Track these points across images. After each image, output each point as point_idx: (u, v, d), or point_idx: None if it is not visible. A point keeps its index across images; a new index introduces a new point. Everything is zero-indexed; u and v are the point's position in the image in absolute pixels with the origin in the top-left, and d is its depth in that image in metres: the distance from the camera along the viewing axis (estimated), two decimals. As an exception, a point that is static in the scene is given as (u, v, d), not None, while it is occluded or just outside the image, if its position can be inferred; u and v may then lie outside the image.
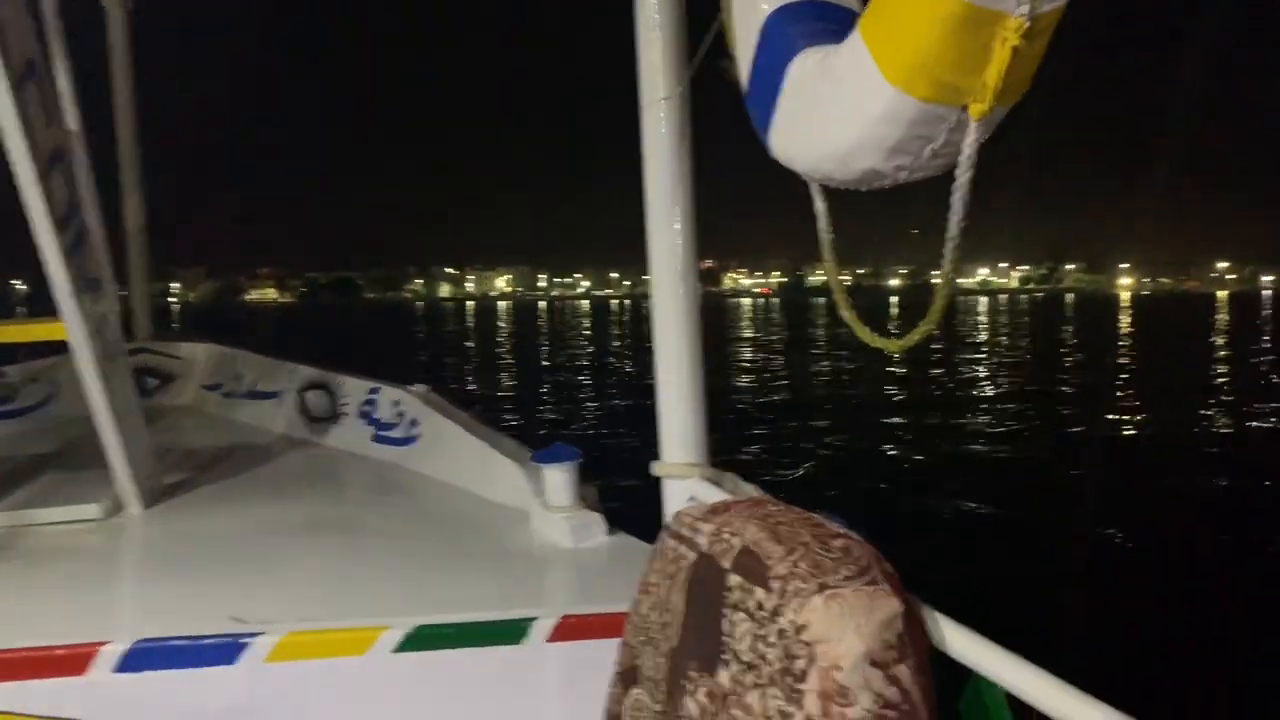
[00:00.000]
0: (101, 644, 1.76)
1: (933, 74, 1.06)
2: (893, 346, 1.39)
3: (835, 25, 1.32)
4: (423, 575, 2.23)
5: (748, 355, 35.27)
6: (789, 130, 1.39)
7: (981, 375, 26.37)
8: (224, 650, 1.78)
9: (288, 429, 4.02)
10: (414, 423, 3.41)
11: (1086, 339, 45.58)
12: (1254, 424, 16.92)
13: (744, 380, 25.51)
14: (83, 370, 2.73)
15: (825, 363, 31.33)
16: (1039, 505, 10.31)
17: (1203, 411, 18.01)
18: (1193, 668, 5.67)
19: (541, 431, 15.61)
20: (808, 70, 1.31)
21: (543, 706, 1.88)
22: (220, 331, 5.34)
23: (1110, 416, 17.82)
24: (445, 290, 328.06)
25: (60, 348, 2.84)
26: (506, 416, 18.09)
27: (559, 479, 2.45)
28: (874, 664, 1.05)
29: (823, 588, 1.09)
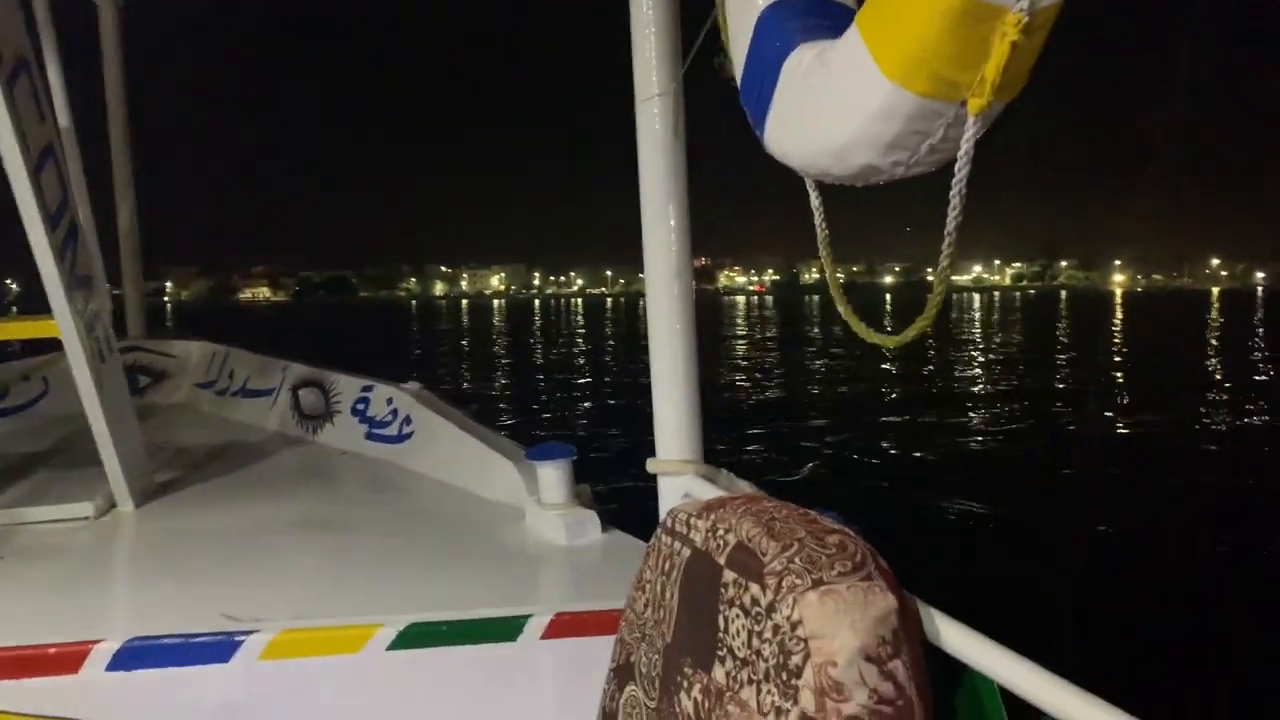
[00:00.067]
0: (94, 643, 1.75)
1: (931, 69, 1.06)
2: (889, 343, 1.39)
3: (830, 21, 1.32)
4: (417, 573, 2.22)
5: (742, 353, 35.29)
6: (784, 126, 1.38)
7: (975, 372, 26.42)
8: (217, 648, 1.78)
9: (281, 427, 4.02)
10: (407, 420, 3.41)
11: (1080, 336, 45.68)
12: (1246, 421, 16.97)
13: (738, 377, 25.53)
14: (75, 368, 2.73)
15: (819, 360, 31.35)
16: (1033, 502, 10.34)
17: (1196, 408, 18.04)
18: (1188, 664, 5.69)
19: (540, 433, 15.60)
20: (804, 65, 1.31)
21: (537, 704, 1.88)
22: (214, 331, 5.33)
23: (1105, 414, 17.86)
24: (439, 289, 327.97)
25: (53, 345, 2.83)
26: (501, 415, 18.09)
27: (553, 476, 2.45)
28: (869, 659, 1.05)
29: (817, 583, 1.09)
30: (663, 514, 1.53)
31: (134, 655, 1.76)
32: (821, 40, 1.30)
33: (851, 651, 1.05)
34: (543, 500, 2.47)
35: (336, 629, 1.82)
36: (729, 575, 1.21)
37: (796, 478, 12.03)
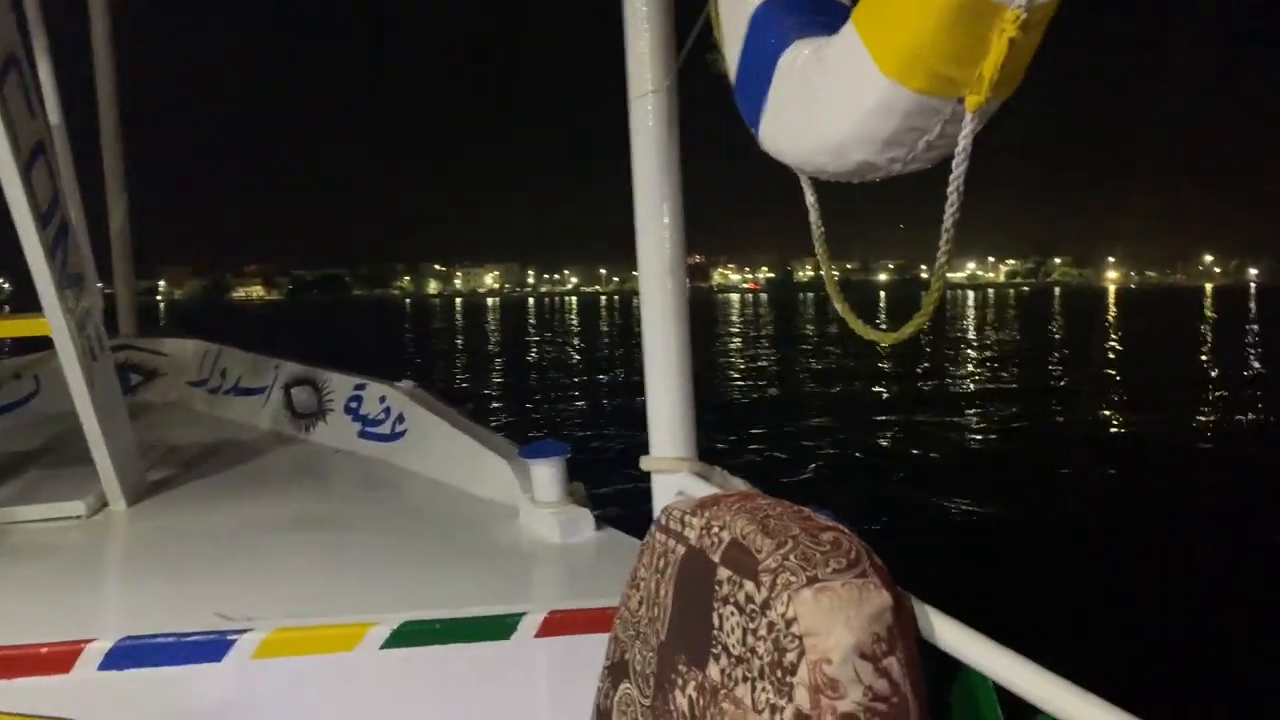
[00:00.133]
0: (87, 642, 1.75)
1: (928, 65, 1.06)
2: (886, 339, 1.38)
3: (825, 17, 1.32)
4: (410, 571, 2.22)
5: (736, 350, 35.30)
6: (779, 122, 1.38)
7: (970, 370, 26.46)
8: (210, 647, 1.77)
9: (273, 425, 4.01)
10: (400, 419, 3.40)
11: (1074, 333, 45.75)
12: (1240, 418, 17.02)
13: (733, 375, 25.54)
14: (66, 366, 2.72)
15: (814, 358, 31.39)
16: (1028, 499, 10.36)
17: (1191, 405, 18.09)
18: (1183, 661, 5.70)
19: (532, 434, 15.58)
20: (799, 62, 1.31)
21: (531, 702, 1.87)
22: (208, 331, 5.31)
23: (1099, 411, 17.89)
24: (433, 287, 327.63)
25: (44, 343, 2.82)
26: (494, 413, 18.08)
27: (547, 474, 2.45)
28: (864, 657, 1.05)
29: (812, 581, 1.09)
30: (657, 511, 1.53)
31: (126, 654, 1.75)
32: (817, 36, 1.29)
33: (846, 649, 1.05)
34: (536, 498, 2.46)
35: (330, 628, 1.82)
36: (723, 572, 1.21)
37: (791, 475, 12.03)
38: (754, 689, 1.11)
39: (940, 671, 1.18)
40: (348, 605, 1.94)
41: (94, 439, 2.77)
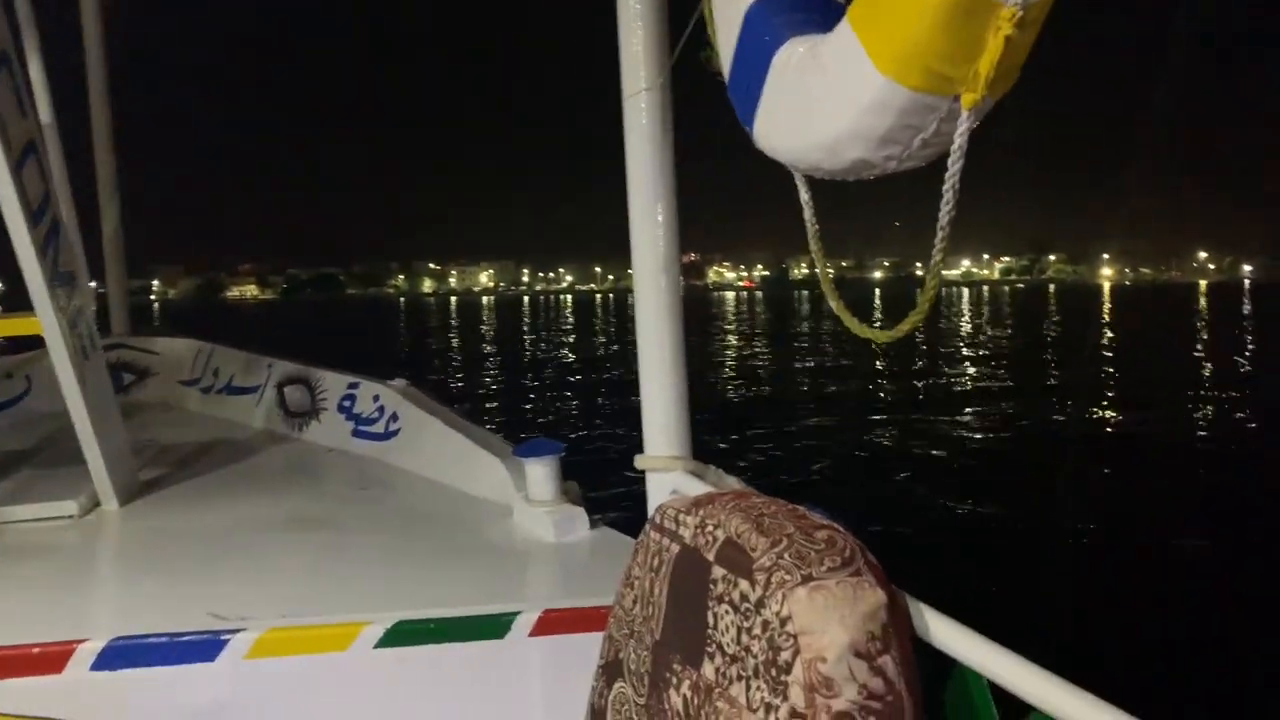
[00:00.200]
0: (79, 642, 1.74)
1: (925, 63, 1.06)
2: (881, 337, 1.38)
3: (819, 15, 1.31)
4: (404, 570, 2.21)
5: (731, 348, 35.32)
6: (774, 120, 1.38)
7: (965, 368, 26.49)
8: (203, 647, 1.76)
9: (266, 424, 4.00)
10: (394, 418, 3.40)
11: (1070, 330, 45.83)
12: (1235, 415, 17.07)
13: (728, 373, 25.55)
14: (58, 365, 2.71)
15: (809, 356, 31.41)
16: (1023, 497, 10.36)
17: (1186, 402, 18.13)
18: (1177, 659, 5.72)
19: (526, 433, 15.58)
20: (794, 60, 1.30)
21: (526, 701, 1.87)
22: (202, 330, 5.30)
23: (1094, 409, 17.92)
24: (428, 285, 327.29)
25: (36, 342, 2.80)
26: (489, 412, 18.07)
27: (541, 473, 2.44)
28: (858, 655, 1.05)
29: (807, 579, 1.09)
30: (651, 510, 1.52)
31: (119, 654, 1.74)
32: (811, 34, 1.29)
33: (841, 647, 1.05)
34: (531, 497, 2.46)
35: (323, 627, 1.81)
36: (718, 571, 1.21)
37: (785, 473, 12.05)
38: (749, 688, 1.11)
39: (935, 669, 1.18)
40: (341, 605, 1.93)
41: (86, 438, 2.76)
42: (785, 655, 1.06)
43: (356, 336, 49.48)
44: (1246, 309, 69.67)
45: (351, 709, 1.83)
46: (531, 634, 1.84)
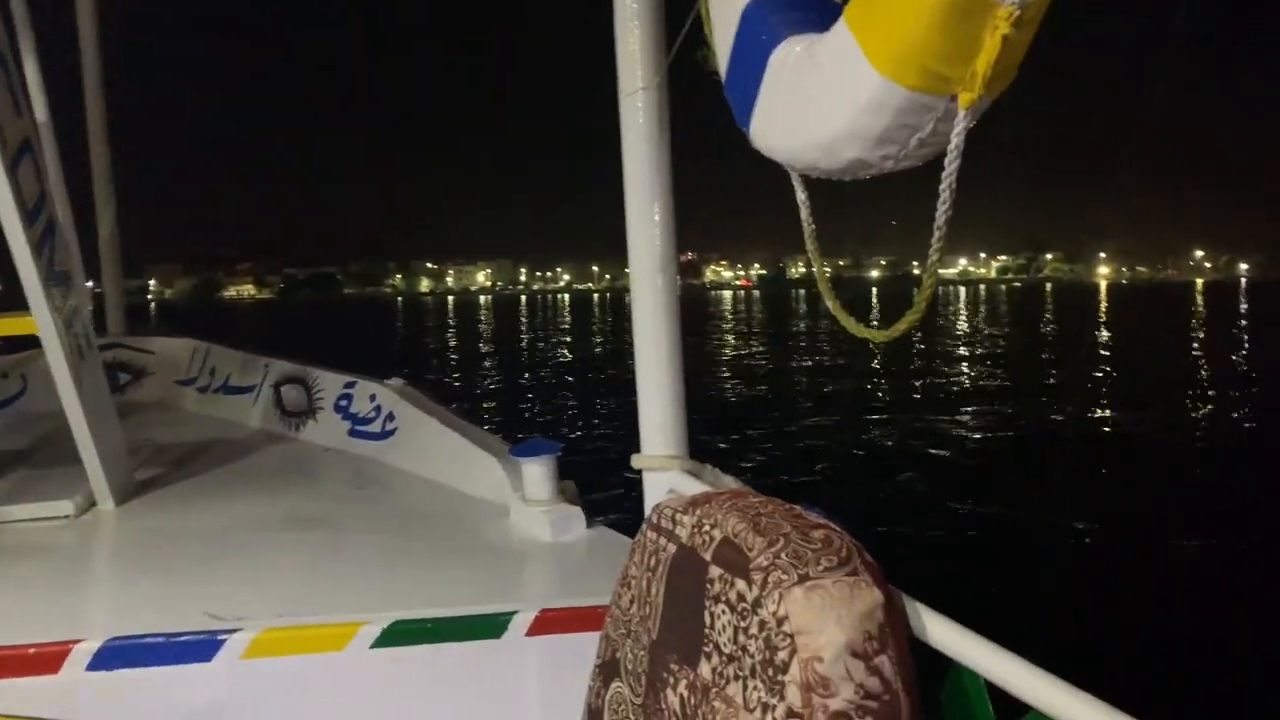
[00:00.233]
0: (75, 642, 1.74)
1: (922, 63, 1.06)
2: (879, 337, 1.38)
3: (816, 14, 1.31)
4: (401, 570, 2.21)
5: (729, 347, 35.32)
6: (771, 120, 1.38)
7: (962, 367, 26.51)
8: (200, 647, 1.76)
9: (263, 424, 3.99)
10: (390, 417, 3.39)
11: (1067, 329, 45.85)
12: (1232, 413, 17.08)
13: (725, 372, 25.55)
14: (53, 365, 2.70)
15: (806, 355, 31.42)
16: (1020, 497, 10.37)
17: (1183, 401, 18.15)
18: (1175, 659, 5.72)
19: (523, 432, 15.56)
20: (791, 59, 1.30)
21: (522, 701, 1.87)
22: (199, 330, 5.29)
23: (1092, 407, 17.94)
24: (425, 285, 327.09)
25: (31, 342, 2.80)
26: (486, 411, 18.05)
27: (538, 473, 2.44)
28: (855, 655, 1.05)
29: (803, 579, 1.08)
30: (648, 510, 1.52)
31: (115, 655, 1.74)
32: (808, 34, 1.29)
33: (838, 647, 1.05)
34: (527, 497, 2.46)
35: (320, 627, 1.81)
36: (715, 571, 1.21)
37: (782, 473, 12.05)
38: (745, 687, 1.11)
39: (932, 669, 1.18)
40: (338, 604, 1.93)
41: (82, 438, 2.75)
42: (782, 655, 1.06)
43: (353, 336, 49.46)
44: (1243, 307, 69.75)
45: (348, 709, 1.83)
46: (528, 634, 1.84)
